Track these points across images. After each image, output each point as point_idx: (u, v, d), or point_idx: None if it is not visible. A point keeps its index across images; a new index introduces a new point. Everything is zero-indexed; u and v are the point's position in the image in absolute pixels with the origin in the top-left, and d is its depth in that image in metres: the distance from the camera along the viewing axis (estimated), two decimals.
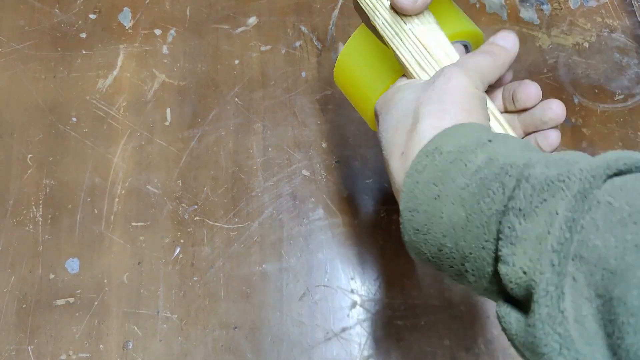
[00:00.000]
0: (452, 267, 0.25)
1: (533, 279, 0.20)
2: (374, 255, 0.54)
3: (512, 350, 0.50)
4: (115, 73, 0.61)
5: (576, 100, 0.60)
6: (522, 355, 0.23)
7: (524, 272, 0.21)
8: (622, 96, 0.60)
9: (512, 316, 0.22)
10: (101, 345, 0.51)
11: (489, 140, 0.25)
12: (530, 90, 0.35)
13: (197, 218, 0.55)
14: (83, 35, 0.62)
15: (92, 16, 0.63)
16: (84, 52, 0.62)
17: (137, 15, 0.63)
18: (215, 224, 0.55)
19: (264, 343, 0.51)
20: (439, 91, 0.29)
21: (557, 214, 0.20)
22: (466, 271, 0.25)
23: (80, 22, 0.63)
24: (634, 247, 0.18)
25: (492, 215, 0.23)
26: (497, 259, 0.22)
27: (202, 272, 0.53)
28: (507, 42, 0.33)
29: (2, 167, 0.57)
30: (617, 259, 0.18)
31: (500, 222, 0.22)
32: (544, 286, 0.20)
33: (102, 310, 0.52)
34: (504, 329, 0.23)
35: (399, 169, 0.28)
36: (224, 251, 0.54)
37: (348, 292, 0.53)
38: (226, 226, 0.55)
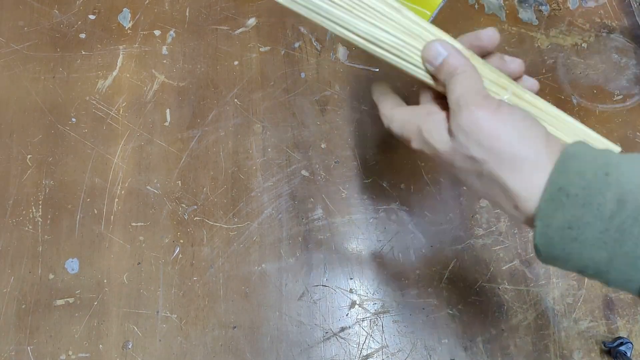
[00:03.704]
0: (593, 278, 0.28)
1: None
2: (373, 255, 0.54)
3: (511, 350, 0.50)
4: (114, 74, 0.61)
5: (575, 101, 0.60)
6: None
7: None
8: (620, 96, 0.61)
9: None
10: (101, 345, 0.51)
11: (606, 174, 0.27)
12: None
13: (197, 218, 0.55)
14: (82, 35, 0.62)
15: (92, 17, 0.63)
16: (83, 52, 0.62)
17: (137, 16, 0.63)
18: (215, 224, 0.55)
19: (263, 342, 0.51)
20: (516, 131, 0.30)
21: None
22: (609, 283, 0.27)
23: (79, 22, 0.63)
24: None
25: (638, 257, 0.25)
26: None
27: (202, 272, 0.53)
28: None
29: (1, 168, 0.57)
30: None
31: None
32: None
33: (102, 311, 0.52)
34: None
35: (526, 201, 0.29)
36: (224, 251, 0.54)
37: (347, 292, 0.53)
38: (226, 226, 0.55)
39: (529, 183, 0.28)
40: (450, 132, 0.32)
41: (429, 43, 0.35)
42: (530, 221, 0.29)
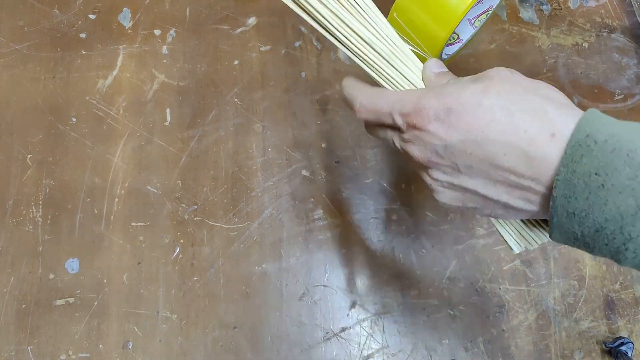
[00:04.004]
0: (607, 245, 0.26)
1: None
2: (374, 256, 0.54)
3: (512, 350, 0.50)
4: (114, 73, 0.61)
5: (576, 101, 0.60)
6: None
7: None
8: (621, 96, 0.60)
9: None
10: (101, 345, 0.51)
11: (636, 127, 0.26)
12: None
13: (197, 218, 0.55)
14: (83, 35, 0.62)
15: (92, 16, 0.63)
16: (83, 52, 0.62)
17: (137, 15, 0.63)
18: (215, 224, 0.55)
19: (263, 343, 0.51)
20: (529, 90, 0.30)
21: None
22: (626, 249, 0.26)
23: (79, 22, 0.63)
24: None
25: None
26: None
27: (202, 272, 0.53)
28: None
29: (2, 167, 0.57)
30: None
31: None
32: None
33: (102, 311, 0.52)
34: None
35: (548, 147, 0.27)
36: (224, 251, 0.54)
37: (347, 292, 0.53)
38: (226, 226, 0.55)
39: (565, 126, 0.27)
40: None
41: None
42: (549, 187, 0.28)
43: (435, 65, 0.36)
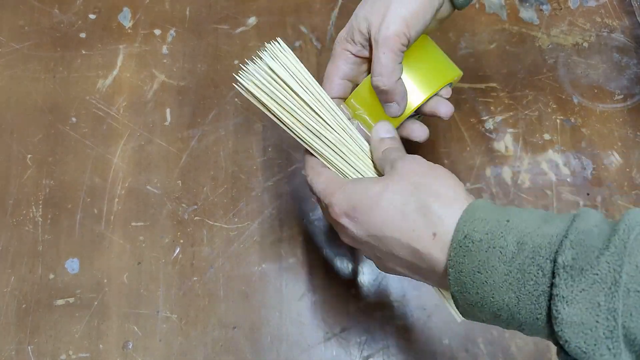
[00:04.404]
0: (508, 326, 0.30)
1: (594, 358, 0.25)
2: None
3: (513, 351, 0.50)
4: (115, 73, 0.61)
5: (575, 100, 0.60)
6: None
7: (584, 352, 0.25)
8: (621, 96, 0.60)
9: None
10: (101, 345, 0.51)
11: (507, 221, 0.29)
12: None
13: (197, 218, 0.55)
14: (83, 35, 0.62)
15: (92, 16, 0.63)
16: (83, 52, 0.62)
17: (137, 15, 0.63)
18: (215, 224, 0.55)
19: (263, 343, 0.51)
20: (428, 176, 0.34)
21: (599, 305, 0.24)
22: (522, 330, 0.29)
23: (80, 22, 0.63)
24: None
25: (539, 295, 0.27)
26: (549, 317, 0.26)
27: (202, 272, 0.53)
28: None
29: (2, 167, 0.57)
30: None
31: (549, 300, 0.26)
32: None
33: (102, 310, 0.52)
34: None
35: (432, 247, 0.31)
36: (224, 251, 0.54)
37: (348, 292, 0.53)
38: (226, 226, 0.55)
39: (444, 225, 0.31)
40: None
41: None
42: (442, 276, 0.31)
43: (382, 130, 0.40)
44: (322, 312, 0.52)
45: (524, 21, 0.64)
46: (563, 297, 0.25)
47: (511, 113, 0.59)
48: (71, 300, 0.52)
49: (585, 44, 0.63)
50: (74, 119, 0.59)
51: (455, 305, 0.31)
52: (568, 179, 0.56)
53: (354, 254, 0.54)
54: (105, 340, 0.51)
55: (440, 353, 0.51)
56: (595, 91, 0.61)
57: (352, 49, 0.41)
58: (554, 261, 0.26)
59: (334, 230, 0.55)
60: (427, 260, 0.31)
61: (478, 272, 0.28)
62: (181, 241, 0.54)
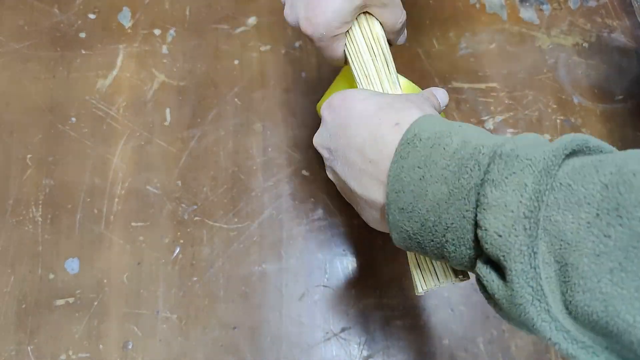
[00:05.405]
0: (432, 240, 0.29)
1: (508, 240, 0.24)
2: (374, 255, 0.54)
3: (512, 351, 0.50)
4: (114, 73, 0.61)
5: (576, 101, 0.60)
6: (501, 309, 0.27)
7: (499, 235, 0.24)
8: (621, 96, 0.60)
9: (492, 275, 0.26)
10: (101, 345, 0.51)
11: (459, 126, 0.30)
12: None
13: (197, 218, 0.55)
14: (82, 35, 0.62)
15: (92, 16, 0.63)
16: (83, 52, 0.62)
17: (137, 15, 0.63)
18: (215, 224, 0.55)
19: (263, 343, 0.51)
20: (403, 96, 0.35)
21: (526, 185, 0.24)
22: (446, 242, 0.28)
23: (79, 22, 0.63)
24: (587, 224, 0.23)
25: (471, 188, 0.27)
26: (476, 226, 0.26)
27: (202, 272, 0.53)
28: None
29: (1, 167, 0.57)
30: (573, 232, 0.23)
31: (478, 193, 0.26)
32: (518, 246, 0.24)
33: (102, 311, 0.52)
34: (484, 288, 0.27)
35: (389, 134, 0.32)
36: (224, 251, 0.54)
37: (348, 292, 0.53)
38: (226, 226, 0.55)
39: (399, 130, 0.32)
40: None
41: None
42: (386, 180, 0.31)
43: (439, 92, 0.40)
44: (322, 312, 0.52)
45: (524, 21, 0.64)
46: (492, 180, 0.25)
47: (511, 113, 0.59)
48: (71, 300, 0.52)
49: (586, 44, 0.63)
50: (73, 119, 0.59)
51: (387, 218, 0.31)
52: None
53: (354, 254, 0.54)
54: (105, 340, 0.51)
55: (440, 353, 0.51)
56: (596, 91, 0.61)
57: None
58: (492, 158, 0.26)
59: (334, 231, 0.55)
60: (379, 151, 0.32)
61: (418, 167, 0.29)
62: (181, 241, 0.54)
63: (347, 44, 0.40)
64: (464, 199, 0.27)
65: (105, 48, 0.62)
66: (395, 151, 0.30)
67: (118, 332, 0.51)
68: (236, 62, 0.61)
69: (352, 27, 0.40)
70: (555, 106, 0.60)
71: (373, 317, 0.52)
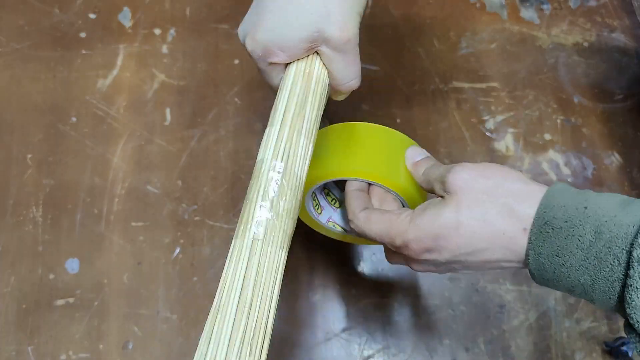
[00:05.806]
0: (579, 297, 0.32)
1: None
2: (374, 255, 0.54)
3: (513, 350, 0.50)
4: (115, 73, 0.61)
5: (576, 100, 0.60)
6: None
7: None
8: (621, 96, 0.60)
9: None
10: (101, 346, 0.51)
11: (585, 208, 0.31)
12: None
13: (197, 218, 0.55)
14: (83, 35, 0.62)
15: (92, 16, 0.63)
16: (83, 51, 0.62)
17: (137, 14, 0.63)
18: (215, 224, 0.55)
19: None
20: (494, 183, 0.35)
21: None
22: (593, 303, 0.31)
23: (80, 21, 0.63)
24: None
25: (614, 281, 0.29)
26: (622, 299, 0.29)
27: (202, 273, 0.53)
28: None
29: (2, 167, 0.57)
30: None
31: (622, 289, 0.29)
32: None
33: (102, 311, 0.52)
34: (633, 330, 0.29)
35: (523, 239, 0.33)
36: (224, 251, 0.54)
37: (348, 292, 0.53)
38: (226, 226, 0.55)
39: (519, 225, 0.33)
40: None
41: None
42: (524, 258, 0.33)
43: (415, 154, 0.41)
44: (322, 312, 0.52)
45: (524, 21, 0.64)
46: (637, 288, 0.27)
47: (512, 113, 0.59)
48: (71, 300, 0.52)
49: (586, 44, 0.63)
50: (74, 119, 0.59)
51: (531, 277, 0.33)
52: (569, 179, 0.56)
53: (354, 254, 0.54)
54: (105, 340, 0.51)
55: (440, 353, 0.51)
56: (596, 91, 0.61)
57: None
58: (629, 253, 0.28)
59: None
60: (518, 254, 0.33)
61: (556, 255, 0.31)
62: (181, 241, 0.54)
63: (284, 78, 0.37)
64: (608, 287, 0.29)
65: (106, 48, 0.62)
66: (530, 239, 0.32)
67: (118, 332, 0.51)
68: (236, 61, 0.61)
69: (295, 63, 0.37)
70: (555, 106, 0.60)
71: (373, 317, 0.52)
